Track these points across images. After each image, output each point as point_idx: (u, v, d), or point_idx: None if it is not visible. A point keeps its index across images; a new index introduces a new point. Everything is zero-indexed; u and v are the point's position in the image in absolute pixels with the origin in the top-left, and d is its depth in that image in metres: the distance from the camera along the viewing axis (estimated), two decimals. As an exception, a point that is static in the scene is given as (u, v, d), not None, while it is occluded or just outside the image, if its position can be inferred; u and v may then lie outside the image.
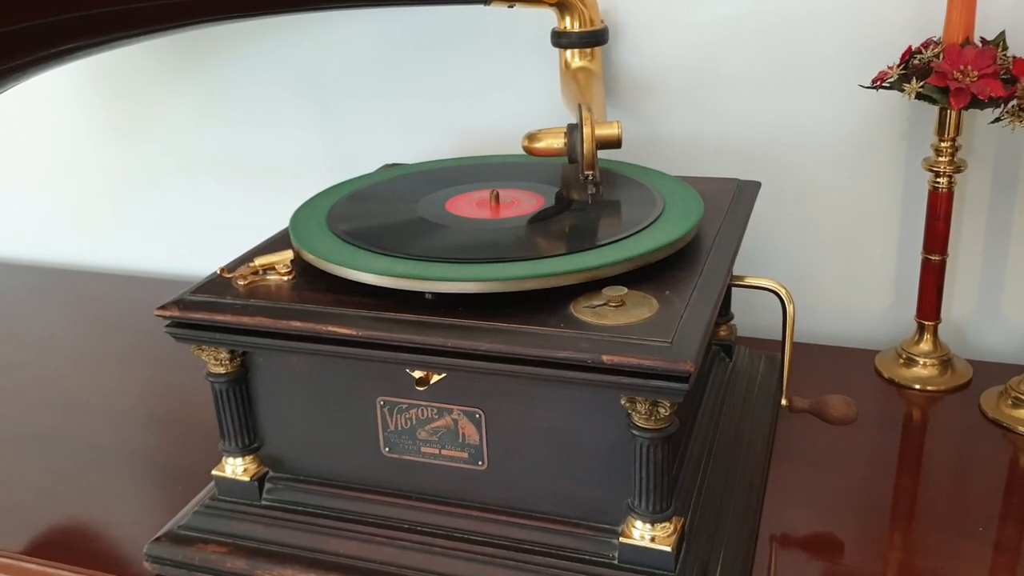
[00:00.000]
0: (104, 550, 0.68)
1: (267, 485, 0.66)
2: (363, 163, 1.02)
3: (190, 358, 0.66)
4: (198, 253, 1.21)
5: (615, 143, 0.68)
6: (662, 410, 0.54)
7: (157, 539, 0.66)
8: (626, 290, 0.58)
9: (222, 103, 1.12)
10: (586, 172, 0.66)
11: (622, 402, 0.55)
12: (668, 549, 0.56)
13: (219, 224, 1.18)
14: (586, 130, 0.64)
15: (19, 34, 0.76)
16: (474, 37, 0.99)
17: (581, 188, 0.69)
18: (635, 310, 0.56)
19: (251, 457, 0.66)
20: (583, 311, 0.57)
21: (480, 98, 1.01)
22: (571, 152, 0.68)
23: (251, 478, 0.66)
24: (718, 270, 0.63)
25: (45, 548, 0.69)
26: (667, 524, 0.57)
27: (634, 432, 0.55)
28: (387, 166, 0.88)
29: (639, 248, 0.62)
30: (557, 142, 0.68)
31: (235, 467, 0.66)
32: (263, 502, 0.66)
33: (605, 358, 0.52)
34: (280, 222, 0.75)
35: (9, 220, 1.30)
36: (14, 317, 1.11)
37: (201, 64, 1.12)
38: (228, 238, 1.16)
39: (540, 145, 0.69)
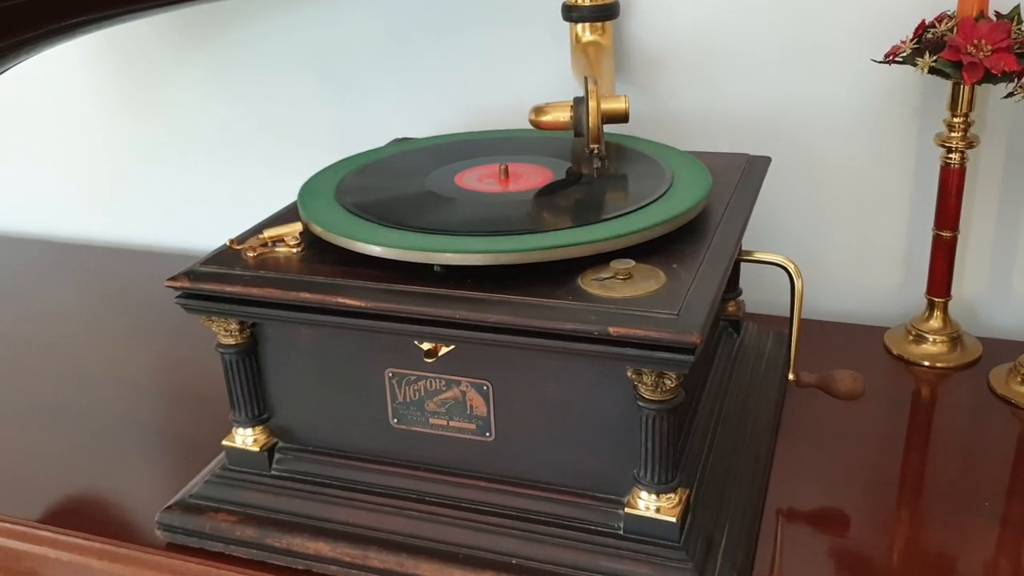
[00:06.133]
0: (116, 519, 0.69)
1: (276, 455, 0.67)
2: (373, 138, 1.02)
3: (199, 331, 0.67)
4: (208, 228, 1.21)
5: (622, 117, 0.68)
6: (668, 382, 0.54)
7: (168, 508, 0.66)
8: (634, 263, 0.58)
9: (232, 78, 1.13)
10: (591, 145, 0.66)
11: (628, 374, 0.55)
12: (673, 520, 0.57)
13: (229, 199, 1.19)
14: (591, 103, 0.64)
15: (27, 7, 0.77)
16: (485, 11, 0.98)
17: (589, 162, 0.69)
18: (642, 283, 0.57)
19: (260, 428, 0.67)
20: (591, 284, 0.57)
21: (491, 72, 1.01)
22: (577, 125, 0.68)
23: (260, 448, 0.67)
24: (726, 244, 0.63)
25: (59, 517, 0.69)
26: (672, 495, 0.57)
27: (640, 403, 0.55)
28: (397, 140, 0.88)
29: (647, 221, 0.62)
30: (563, 115, 0.69)
31: (245, 437, 0.67)
32: (272, 472, 0.67)
33: (612, 330, 0.53)
34: (290, 197, 0.75)
35: (20, 195, 1.31)
36: (26, 291, 1.12)
37: (211, 39, 1.12)
38: (238, 213, 1.15)
39: (546, 118, 0.69)
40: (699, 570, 0.57)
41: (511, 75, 1.00)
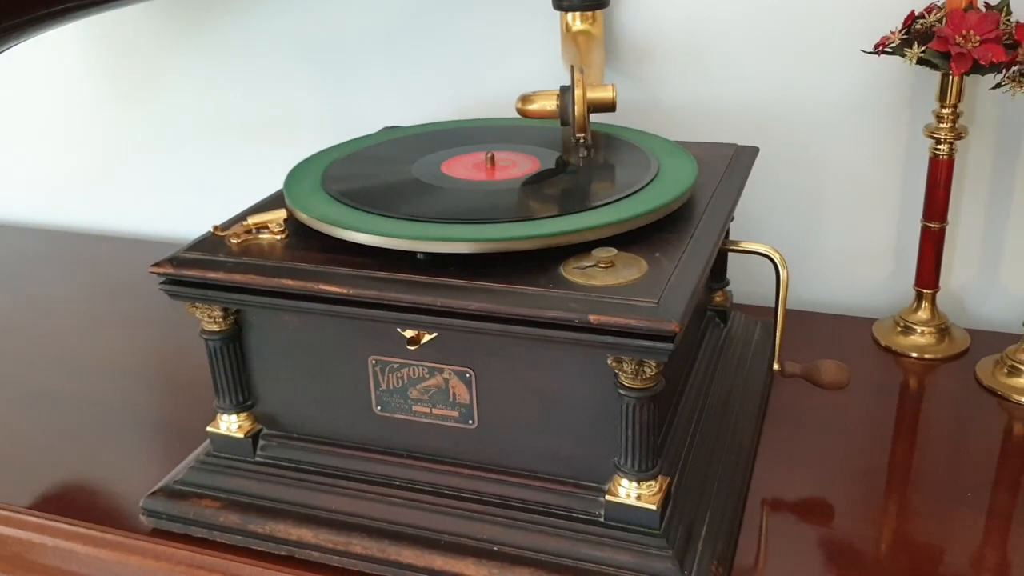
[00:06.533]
0: (102, 505, 0.69)
1: (261, 442, 0.67)
2: (363, 126, 1.02)
3: (187, 318, 0.67)
4: (201, 215, 1.21)
5: (609, 106, 0.68)
6: (648, 370, 0.54)
7: (153, 494, 0.67)
8: (616, 251, 0.58)
9: (225, 66, 1.12)
10: (577, 134, 0.66)
11: (609, 362, 0.55)
12: (653, 507, 0.57)
13: (222, 187, 1.19)
14: (577, 92, 0.64)
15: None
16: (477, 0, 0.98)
17: (575, 151, 0.69)
18: (624, 271, 0.57)
19: (245, 414, 0.67)
20: (572, 272, 0.57)
21: (482, 61, 1.01)
22: (563, 114, 0.68)
23: (245, 435, 0.67)
24: (710, 234, 0.63)
25: (46, 503, 0.70)
26: (653, 483, 0.58)
27: (621, 391, 0.55)
28: (387, 129, 0.88)
29: (631, 210, 0.61)
30: (549, 104, 0.68)
31: (229, 424, 0.67)
32: (257, 458, 0.67)
33: (592, 318, 0.53)
34: (280, 185, 0.75)
35: (9, 183, 1.31)
36: (17, 278, 1.12)
37: (204, 27, 1.11)
38: (232, 201, 1.15)
39: (533, 107, 0.69)
40: (679, 557, 0.57)
41: (502, 63, 1.00)
